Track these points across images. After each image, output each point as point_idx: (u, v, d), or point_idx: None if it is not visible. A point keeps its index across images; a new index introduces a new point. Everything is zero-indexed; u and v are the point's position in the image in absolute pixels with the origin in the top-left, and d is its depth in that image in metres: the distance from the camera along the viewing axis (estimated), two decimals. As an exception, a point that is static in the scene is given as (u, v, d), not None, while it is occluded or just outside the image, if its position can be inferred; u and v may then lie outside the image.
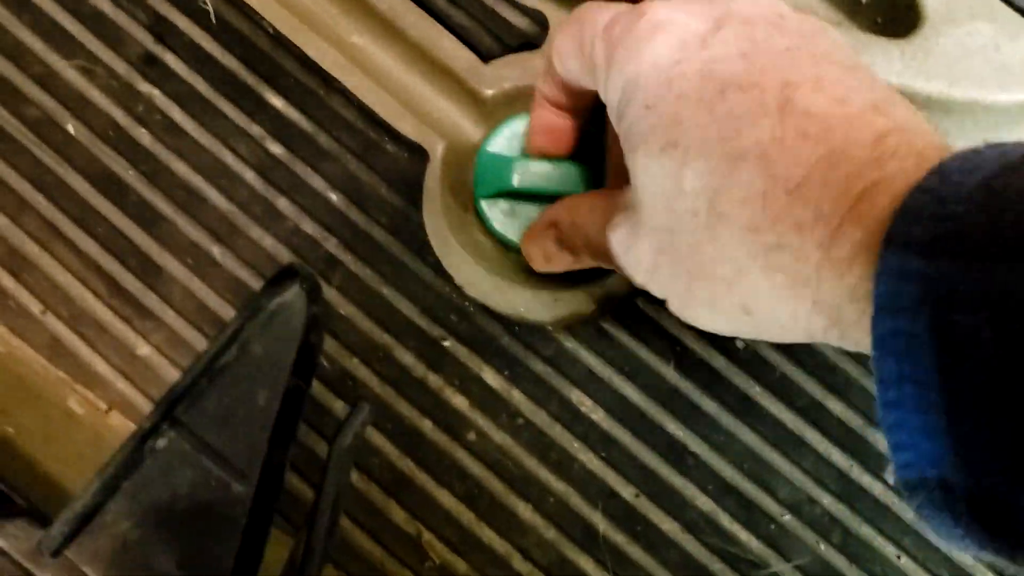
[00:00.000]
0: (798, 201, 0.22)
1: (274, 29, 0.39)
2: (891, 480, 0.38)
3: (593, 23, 0.27)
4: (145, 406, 0.38)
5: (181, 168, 0.39)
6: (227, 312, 0.38)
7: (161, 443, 0.26)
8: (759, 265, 0.23)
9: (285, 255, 0.39)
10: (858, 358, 0.39)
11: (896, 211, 0.19)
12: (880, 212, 0.20)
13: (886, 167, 0.21)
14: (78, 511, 0.26)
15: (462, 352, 0.39)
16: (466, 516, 0.38)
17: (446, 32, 0.39)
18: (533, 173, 0.34)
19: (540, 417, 0.38)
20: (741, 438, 0.38)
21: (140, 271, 0.39)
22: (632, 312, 0.39)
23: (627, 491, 0.38)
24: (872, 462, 0.38)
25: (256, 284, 0.38)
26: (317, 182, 0.39)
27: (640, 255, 0.26)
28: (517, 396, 0.38)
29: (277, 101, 0.39)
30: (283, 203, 0.39)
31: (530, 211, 0.37)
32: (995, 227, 0.18)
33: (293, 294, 0.28)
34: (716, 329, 0.26)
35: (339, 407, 0.38)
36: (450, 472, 0.38)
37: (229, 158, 0.39)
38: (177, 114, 0.39)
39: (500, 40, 0.40)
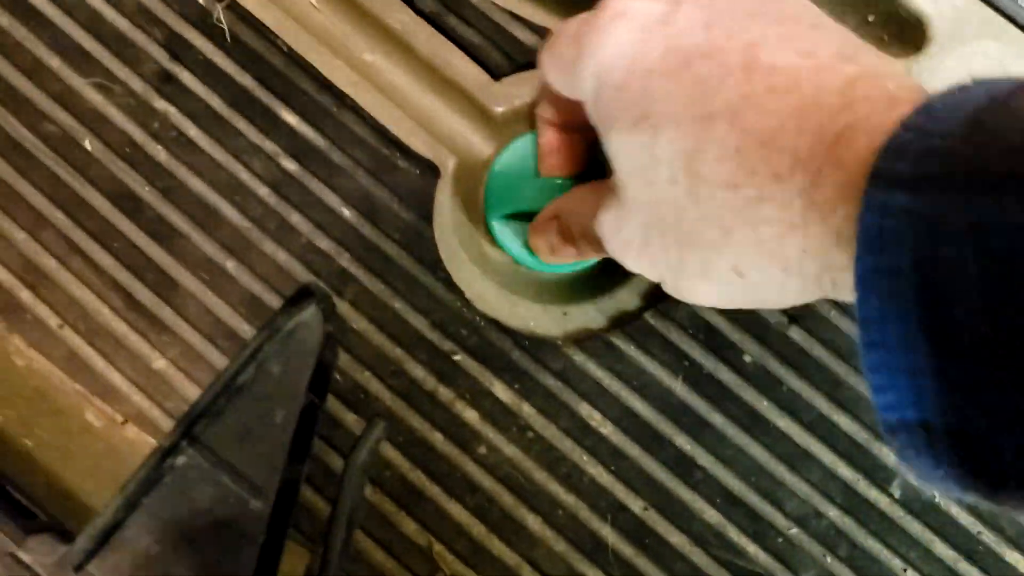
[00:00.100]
0: (773, 151, 0.22)
1: (288, 47, 0.40)
2: (897, 494, 0.39)
3: (564, 31, 0.28)
4: (160, 418, 0.39)
5: (196, 184, 0.40)
6: (241, 326, 0.39)
7: (181, 460, 0.27)
8: (743, 220, 0.23)
9: (298, 270, 0.39)
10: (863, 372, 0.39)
11: (879, 149, 0.19)
12: (859, 152, 0.20)
13: (858, 109, 0.21)
14: (100, 527, 0.26)
15: (473, 366, 0.39)
16: (477, 528, 0.38)
17: (457, 50, 0.39)
18: (546, 193, 0.35)
19: (550, 431, 0.39)
20: (749, 452, 0.39)
21: (156, 286, 0.39)
22: (641, 327, 0.39)
23: (636, 504, 0.38)
24: (878, 475, 0.39)
25: (270, 298, 0.39)
26: (330, 198, 0.40)
27: (629, 235, 0.27)
28: (527, 410, 0.39)
29: (291, 118, 0.40)
30: (297, 218, 0.39)
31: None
32: (981, 160, 0.17)
33: (309, 314, 0.28)
34: (713, 302, 0.26)
35: (351, 420, 0.39)
36: (461, 485, 0.38)
37: (244, 174, 0.40)
38: (192, 131, 0.40)
39: (510, 58, 0.40)
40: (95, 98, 0.40)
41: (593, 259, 0.37)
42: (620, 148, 0.25)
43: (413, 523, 0.38)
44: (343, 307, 0.39)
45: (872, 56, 0.23)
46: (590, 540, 0.38)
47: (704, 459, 0.39)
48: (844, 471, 0.39)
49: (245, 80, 0.40)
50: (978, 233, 0.17)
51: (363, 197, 0.40)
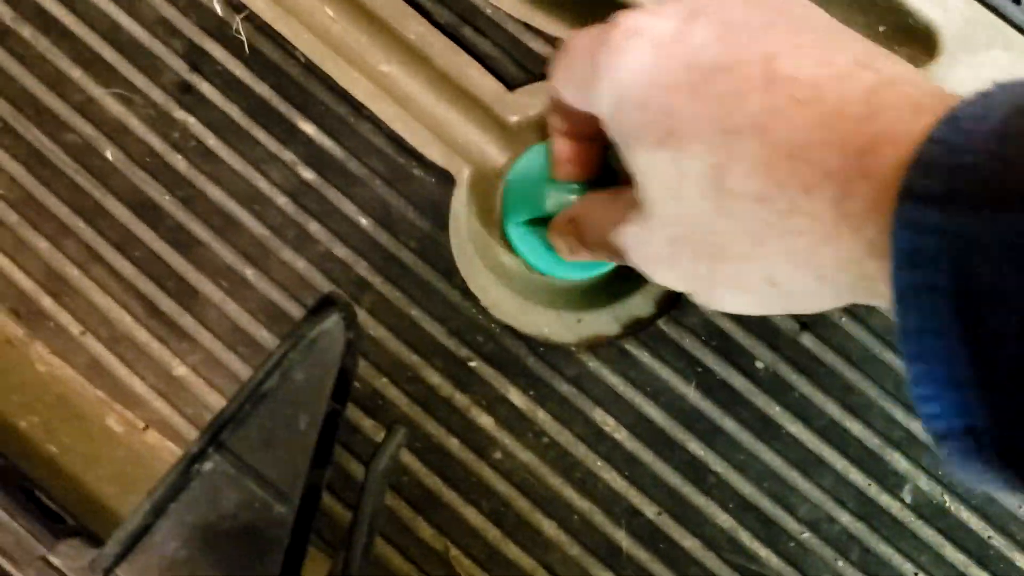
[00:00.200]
0: (802, 163, 0.22)
1: (306, 58, 0.40)
2: (908, 499, 0.39)
3: (576, 47, 0.29)
4: (181, 424, 0.39)
5: (216, 193, 0.40)
6: (260, 333, 0.40)
7: (207, 466, 0.28)
8: (775, 233, 0.23)
9: (317, 278, 0.40)
10: (875, 377, 0.39)
11: (908, 162, 0.19)
12: (887, 163, 0.20)
13: (882, 118, 0.21)
14: (129, 531, 0.27)
15: (488, 372, 0.40)
16: (492, 533, 0.39)
17: (472, 61, 0.40)
18: (563, 199, 0.35)
19: (565, 436, 0.39)
20: (761, 457, 0.39)
21: (176, 293, 0.40)
22: (654, 333, 0.39)
23: (650, 509, 0.39)
24: (890, 481, 0.39)
25: (289, 306, 0.40)
26: (348, 207, 0.40)
27: (656, 249, 0.27)
28: (542, 416, 0.39)
29: (309, 128, 0.41)
30: (315, 227, 0.40)
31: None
32: (1011, 175, 0.17)
33: (332, 322, 0.29)
34: (746, 310, 0.26)
35: (368, 425, 0.39)
36: (477, 490, 0.39)
37: (262, 183, 0.40)
38: (212, 140, 0.41)
39: (524, 68, 0.41)
40: (116, 108, 0.41)
41: (610, 262, 0.37)
42: (646, 165, 0.26)
43: (430, 528, 0.39)
44: (360, 315, 0.40)
45: (890, 61, 0.23)
46: (604, 545, 0.39)
47: (717, 464, 0.39)
48: (856, 476, 0.39)
49: (263, 90, 0.41)
50: (1012, 249, 0.17)
51: (380, 206, 0.40)
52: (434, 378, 0.39)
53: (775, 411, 0.39)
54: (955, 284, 0.18)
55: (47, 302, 0.40)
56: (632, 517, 0.39)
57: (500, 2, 0.41)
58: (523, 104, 0.40)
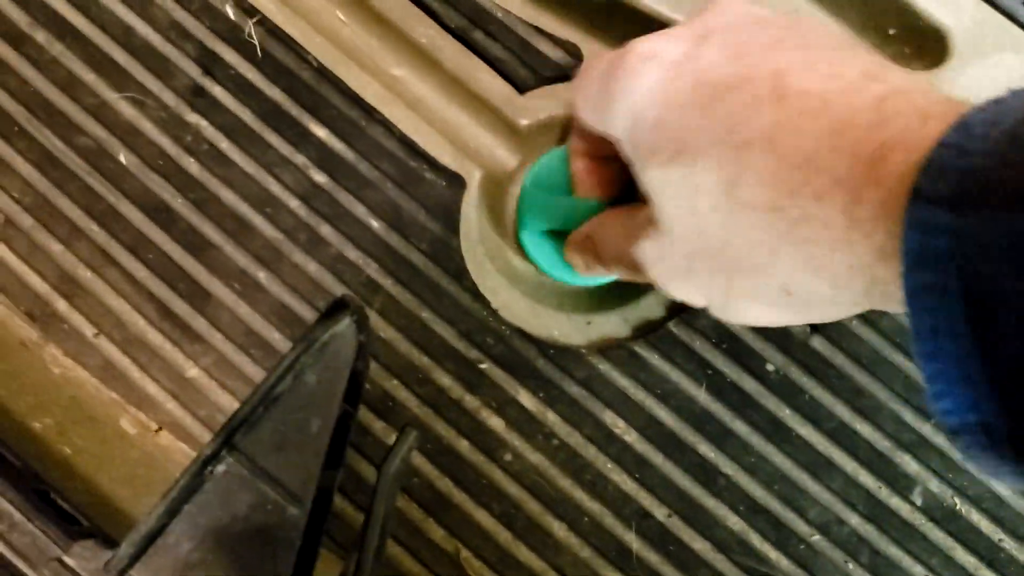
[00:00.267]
0: (812, 172, 0.22)
1: (318, 62, 0.41)
2: (918, 501, 0.39)
3: (593, 72, 0.29)
4: (194, 426, 0.39)
5: (228, 196, 0.40)
6: (272, 335, 0.40)
7: (221, 468, 0.28)
8: (789, 241, 0.23)
9: (328, 281, 0.40)
10: (884, 380, 0.39)
11: (918, 167, 0.20)
12: (897, 169, 0.21)
13: (891, 126, 0.21)
14: (144, 533, 0.27)
15: (498, 374, 0.40)
16: (503, 535, 0.39)
17: (483, 65, 0.40)
18: (579, 211, 0.35)
19: (575, 438, 0.39)
20: (771, 460, 0.39)
21: (189, 296, 0.40)
22: (664, 336, 0.40)
23: (660, 511, 0.39)
24: (900, 483, 0.39)
25: (301, 309, 0.40)
26: (359, 210, 0.40)
27: (673, 263, 0.27)
28: (552, 418, 0.39)
29: (321, 132, 0.41)
30: (326, 230, 0.40)
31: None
32: (1020, 178, 0.18)
33: (344, 326, 0.29)
34: (764, 321, 0.27)
35: (379, 427, 0.39)
36: (487, 492, 0.39)
37: (274, 187, 0.40)
38: (224, 144, 0.41)
39: (535, 71, 0.41)
40: (129, 112, 0.41)
41: None
42: (659, 182, 0.26)
43: (440, 529, 0.39)
44: (371, 317, 0.40)
45: (897, 73, 0.24)
46: (614, 547, 0.39)
47: (727, 467, 0.39)
48: (866, 479, 0.39)
49: (275, 94, 0.41)
50: (1014, 250, 0.17)
51: (391, 209, 0.40)
52: (444, 380, 0.40)
53: (785, 413, 0.39)
54: (964, 284, 0.18)
55: (61, 305, 0.40)
56: (642, 519, 0.39)
57: (509, 5, 0.41)
58: (533, 107, 0.40)
